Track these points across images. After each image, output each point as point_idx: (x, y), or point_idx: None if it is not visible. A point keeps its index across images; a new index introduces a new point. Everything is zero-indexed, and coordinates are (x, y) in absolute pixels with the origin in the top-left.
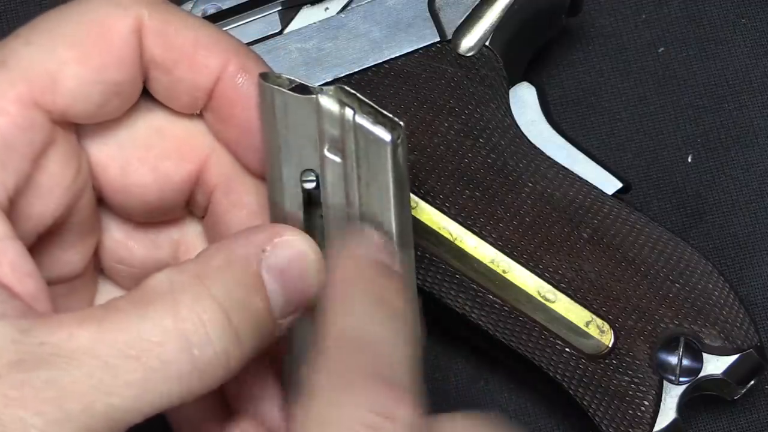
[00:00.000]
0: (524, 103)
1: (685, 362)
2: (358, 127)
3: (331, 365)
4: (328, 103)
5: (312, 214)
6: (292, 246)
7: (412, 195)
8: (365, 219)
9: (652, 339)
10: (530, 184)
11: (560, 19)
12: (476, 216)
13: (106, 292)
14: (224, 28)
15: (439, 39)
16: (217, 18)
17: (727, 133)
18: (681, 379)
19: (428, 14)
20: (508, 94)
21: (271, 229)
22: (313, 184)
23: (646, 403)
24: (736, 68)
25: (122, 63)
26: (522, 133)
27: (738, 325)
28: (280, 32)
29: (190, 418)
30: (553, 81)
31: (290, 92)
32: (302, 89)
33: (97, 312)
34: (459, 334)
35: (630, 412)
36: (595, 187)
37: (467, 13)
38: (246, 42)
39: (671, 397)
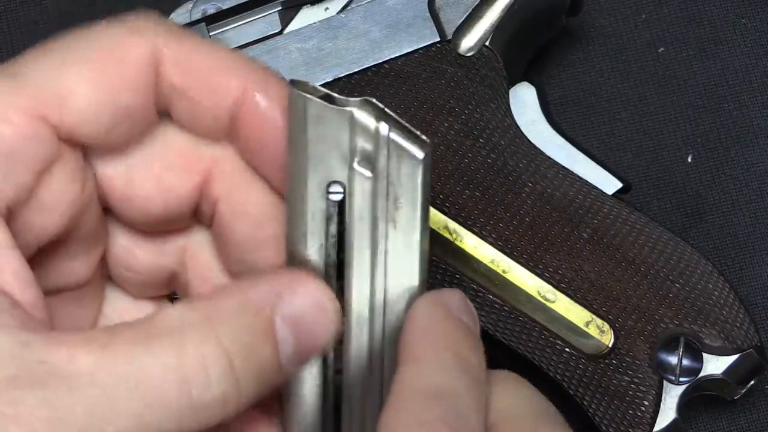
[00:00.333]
0: (524, 103)
1: (685, 362)
2: (391, 143)
3: (404, 417)
4: (362, 117)
5: (330, 226)
6: (311, 296)
7: None
8: (391, 234)
9: (652, 339)
10: (530, 184)
11: (560, 19)
12: (476, 216)
13: (114, 298)
14: (224, 28)
15: (439, 39)
16: (217, 18)
17: (727, 133)
18: (681, 379)
19: (428, 14)
20: (508, 94)
21: (291, 275)
22: (340, 197)
23: (646, 403)
24: (736, 68)
25: (135, 89)
26: (522, 133)
27: (738, 325)
28: (280, 32)
29: None
30: (553, 81)
31: (325, 103)
32: (330, 99)
33: (102, 336)
34: None
35: (630, 412)
36: (595, 187)
37: (467, 13)
38: (246, 42)
39: (671, 397)
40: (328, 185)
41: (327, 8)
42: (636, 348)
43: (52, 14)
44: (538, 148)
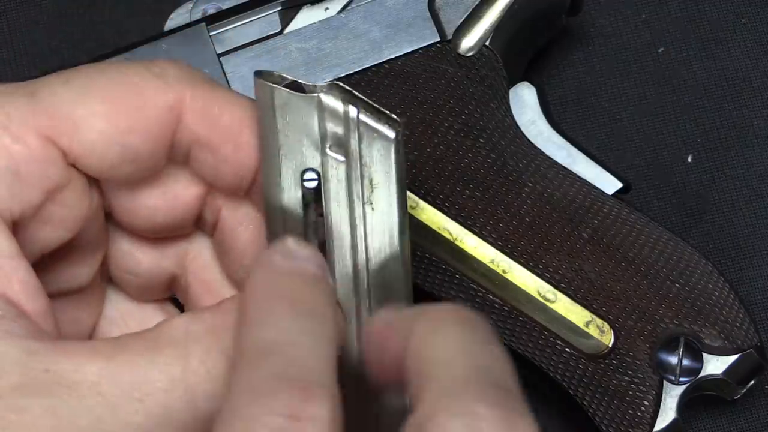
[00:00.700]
0: (524, 103)
1: (685, 362)
2: (361, 125)
3: (241, 378)
4: (330, 101)
5: (308, 214)
6: None
7: (412, 195)
8: (369, 216)
9: (652, 339)
10: (530, 184)
11: (560, 19)
12: (476, 216)
13: (116, 300)
14: (224, 28)
15: (439, 39)
16: (217, 18)
17: (727, 133)
18: (681, 379)
19: (428, 14)
20: (508, 94)
21: None
22: (315, 183)
23: (646, 403)
24: (736, 68)
25: (148, 134)
26: (522, 133)
27: (738, 325)
28: (280, 32)
29: None
30: (553, 81)
31: (290, 91)
32: (297, 87)
33: (107, 347)
34: None
35: (630, 412)
36: (595, 187)
37: (467, 13)
38: (246, 42)
39: (671, 397)
40: (303, 173)
41: (327, 8)
42: (636, 348)
43: (52, 14)
44: (538, 148)
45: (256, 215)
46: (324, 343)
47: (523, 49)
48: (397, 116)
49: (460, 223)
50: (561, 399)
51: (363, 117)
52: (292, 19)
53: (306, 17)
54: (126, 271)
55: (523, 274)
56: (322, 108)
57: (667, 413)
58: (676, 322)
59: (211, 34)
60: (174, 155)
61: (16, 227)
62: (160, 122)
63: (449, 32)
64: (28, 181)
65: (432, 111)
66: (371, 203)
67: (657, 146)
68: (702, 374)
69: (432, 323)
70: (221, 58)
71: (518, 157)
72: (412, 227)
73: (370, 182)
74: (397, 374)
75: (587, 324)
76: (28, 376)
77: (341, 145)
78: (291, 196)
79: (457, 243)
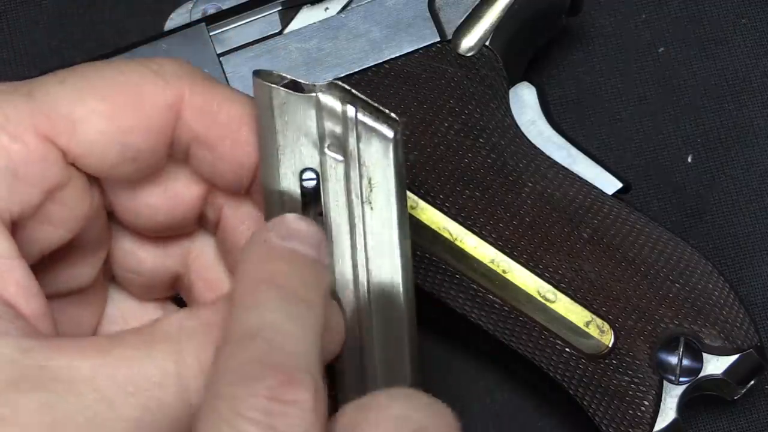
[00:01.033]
0: (524, 103)
1: (685, 362)
2: (360, 124)
3: (226, 361)
4: (328, 100)
5: (308, 213)
6: None
7: (412, 195)
8: (368, 215)
9: (652, 339)
10: (530, 184)
11: (560, 19)
12: (476, 216)
13: (118, 300)
14: (224, 28)
15: (439, 39)
16: (217, 18)
17: (727, 133)
18: (681, 379)
19: (428, 14)
20: (508, 94)
21: None
22: (314, 183)
23: (646, 403)
24: (736, 68)
25: (148, 132)
26: (522, 133)
27: (738, 325)
28: (280, 32)
29: None
30: (553, 81)
31: (289, 90)
32: (296, 86)
33: (102, 342)
34: (459, 334)
35: (630, 412)
36: (595, 187)
37: (467, 13)
38: (246, 42)
39: (671, 397)
40: (302, 172)
41: (327, 8)
42: (636, 348)
43: (52, 14)
44: (538, 148)
45: (257, 214)
46: (310, 329)
47: (523, 49)
48: (396, 116)
49: (460, 223)
50: (561, 399)
51: (361, 116)
52: (292, 19)
53: (306, 17)
54: (129, 270)
55: (523, 274)
56: (320, 107)
57: (667, 413)
58: (676, 322)
59: (211, 34)
60: (174, 153)
61: (16, 227)
62: (160, 120)
63: (449, 32)
64: (27, 180)
65: (432, 111)
66: (370, 202)
67: (657, 146)
68: (702, 374)
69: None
70: (221, 58)
71: (518, 157)
72: (412, 227)
73: (369, 182)
74: None
75: (587, 324)
76: (23, 373)
77: (340, 144)
78: (290, 195)
79: (457, 243)
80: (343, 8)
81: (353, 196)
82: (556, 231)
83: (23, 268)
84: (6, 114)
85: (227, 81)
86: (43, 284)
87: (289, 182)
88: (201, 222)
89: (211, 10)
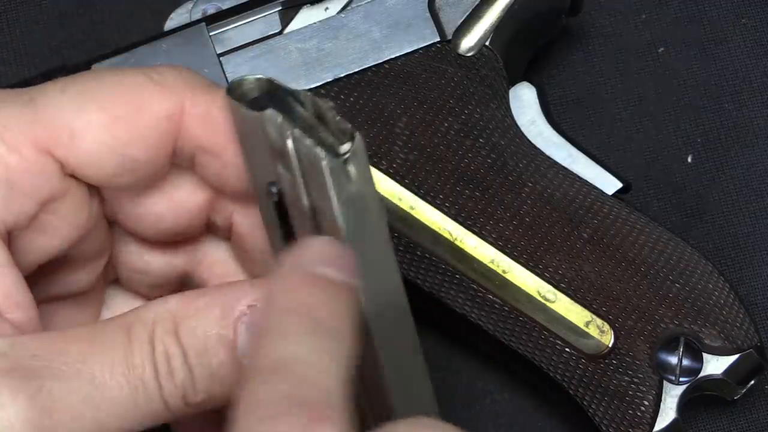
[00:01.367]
0: (524, 103)
1: (685, 362)
2: (299, 145)
3: (251, 394)
4: (271, 117)
5: (284, 225)
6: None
7: (412, 195)
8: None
9: (652, 339)
10: (530, 184)
11: (560, 19)
12: (476, 216)
13: (114, 302)
14: (224, 28)
15: (439, 39)
16: (217, 18)
17: (727, 133)
18: (681, 379)
19: (428, 14)
20: (508, 94)
21: (262, 287)
22: (276, 198)
23: (646, 403)
24: (736, 68)
25: (147, 144)
26: (522, 133)
27: (738, 325)
28: (280, 32)
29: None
30: (553, 81)
31: (241, 105)
32: (270, 97)
33: (85, 331)
34: (459, 334)
35: (630, 412)
36: (595, 187)
37: (467, 13)
38: (246, 42)
39: (671, 397)
40: (269, 185)
41: (327, 8)
42: (636, 348)
43: (52, 14)
44: (538, 148)
45: None
46: (339, 362)
47: (523, 49)
48: (351, 132)
49: (460, 223)
50: (561, 399)
51: (297, 134)
52: (292, 19)
53: (306, 17)
54: (136, 271)
55: (523, 274)
56: (265, 124)
57: (667, 413)
58: (676, 322)
59: (211, 34)
60: (178, 161)
61: (10, 236)
62: (159, 131)
63: (449, 32)
64: (22, 191)
65: (432, 111)
66: (322, 223)
67: (657, 146)
68: (702, 374)
69: None
70: (221, 58)
71: (518, 157)
72: (412, 227)
73: (319, 201)
74: None
75: (587, 324)
76: (15, 363)
77: (287, 164)
78: (265, 207)
79: (457, 243)
80: (343, 8)
81: (308, 216)
82: (556, 231)
83: (13, 276)
84: (4, 124)
85: (227, 81)
86: (40, 289)
87: (263, 194)
88: (210, 228)
89: (211, 10)
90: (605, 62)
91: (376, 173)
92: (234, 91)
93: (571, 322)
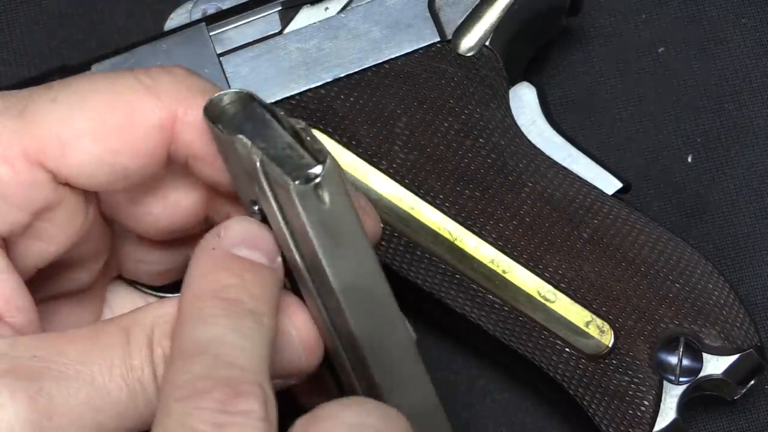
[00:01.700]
0: (524, 103)
1: (685, 362)
2: (267, 168)
3: (174, 377)
4: (240, 142)
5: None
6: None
7: (411, 195)
8: (303, 262)
9: (652, 339)
10: (530, 184)
11: (560, 19)
12: (476, 216)
13: (115, 298)
14: (224, 28)
15: (439, 39)
16: (217, 18)
17: (727, 133)
18: (681, 379)
19: (428, 14)
20: (508, 94)
21: None
22: (259, 215)
23: (646, 403)
24: (736, 68)
25: (138, 153)
26: (522, 133)
27: (738, 325)
28: (280, 32)
29: None
30: (553, 81)
31: (217, 128)
32: (247, 116)
33: (85, 333)
34: (459, 334)
35: (630, 412)
36: (595, 187)
37: (467, 13)
38: (246, 42)
39: (671, 397)
40: (251, 202)
41: (327, 8)
42: (636, 348)
43: (52, 14)
44: (538, 148)
45: None
46: (257, 341)
47: (523, 49)
48: (325, 154)
49: (460, 223)
50: (561, 399)
51: (265, 159)
52: (292, 19)
53: (306, 17)
54: (137, 262)
55: (523, 274)
56: (235, 148)
57: (667, 413)
58: (676, 322)
59: (211, 34)
60: (173, 164)
61: (7, 243)
62: (151, 140)
63: (449, 32)
64: (14, 203)
65: (432, 111)
66: (299, 250)
67: (657, 146)
68: (702, 374)
69: None
70: (221, 58)
71: (518, 157)
72: (412, 227)
73: (289, 229)
74: None
75: (587, 324)
76: (15, 363)
77: (260, 186)
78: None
79: (457, 243)
80: (343, 8)
81: (287, 238)
82: (556, 231)
83: (13, 282)
84: None
85: (227, 81)
86: (40, 288)
87: (249, 208)
88: (209, 226)
89: (211, 10)
90: (605, 62)
91: (376, 173)
92: (212, 107)
93: (571, 322)
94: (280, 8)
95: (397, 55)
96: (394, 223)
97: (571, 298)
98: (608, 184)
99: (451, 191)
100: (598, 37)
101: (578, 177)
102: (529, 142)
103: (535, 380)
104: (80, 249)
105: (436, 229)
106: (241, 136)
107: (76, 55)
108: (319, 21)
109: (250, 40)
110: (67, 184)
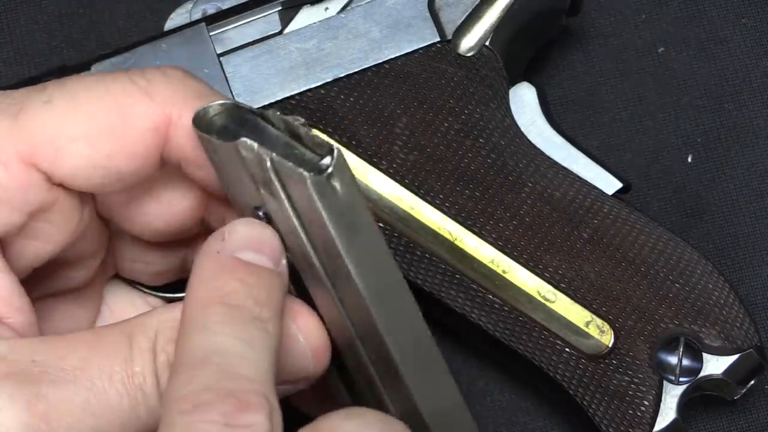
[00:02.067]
0: (524, 103)
1: (685, 362)
2: (280, 168)
3: (177, 388)
4: (246, 145)
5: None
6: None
7: (412, 195)
8: (319, 256)
9: (652, 339)
10: (530, 184)
11: (560, 19)
12: (476, 216)
13: (112, 297)
14: (224, 28)
15: (439, 39)
16: (217, 18)
17: (727, 133)
18: (681, 379)
19: (428, 14)
20: (508, 94)
21: None
22: (265, 220)
23: (646, 403)
24: (736, 68)
25: (131, 156)
26: (522, 133)
27: (738, 325)
28: (280, 32)
29: None
30: (553, 81)
31: (212, 138)
32: (239, 123)
33: (86, 336)
34: (459, 334)
35: (630, 412)
36: (595, 187)
37: (467, 13)
38: (246, 42)
39: (671, 397)
40: (255, 209)
41: (327, 8)
42: (636, 348)
43: (52, 14)
44: (538, 148)
45: None
46: (262, 349)
47: (523, 49)
48: (329, 146)
49: (460, 223)
50: (561, 399)
51: (276, 158)
52: (292, 19)
53: (306, 17)
54: (135, 261)
55: (523, 274)
56: (239, 154)
57: (667, 413)
58: (676, 322)
59: (211, 34)
60: (167, 166)
61: (2, 243)
62: (145, 143)
63: (449, 32)
64: (9, 204)
65: (432, 111)
66: (314, 243)
67: (657, 146)
68: (702, 374)
69: None
70: (221, 58)
71: (518, 157)
72: (412, 227)
73: (309, 221)
74: None
75: (587, 324)
76: (16, 367)
77: (267, 186)
78: None
79: (457, 243)
80: (343, 8)
81: (299, 238)
82: (556, 231)
83: (10, 282)
84: None
85: (227, 81)
86: (37, 287)
87: (249, 215)
88: (205, 228)
89: (211, 10)
90: (605, 62)
91: (376, 173)
92: (201, 120)
93: (571, 322)
94: (280, 8)
95: (397, 55)
96: (394, 223)
97: (571, 298)
98: (608, 184)
99: (451, 191)
100: (598, 37)
101: (578, 177)
102: (529, 142)
103: (535, 380)
104: (76, 248)
105: (436, 229)
106: (244, 140)
107: (76, 55)
108: (319, 21)
109: (250, 40)
110: (61, 185)
